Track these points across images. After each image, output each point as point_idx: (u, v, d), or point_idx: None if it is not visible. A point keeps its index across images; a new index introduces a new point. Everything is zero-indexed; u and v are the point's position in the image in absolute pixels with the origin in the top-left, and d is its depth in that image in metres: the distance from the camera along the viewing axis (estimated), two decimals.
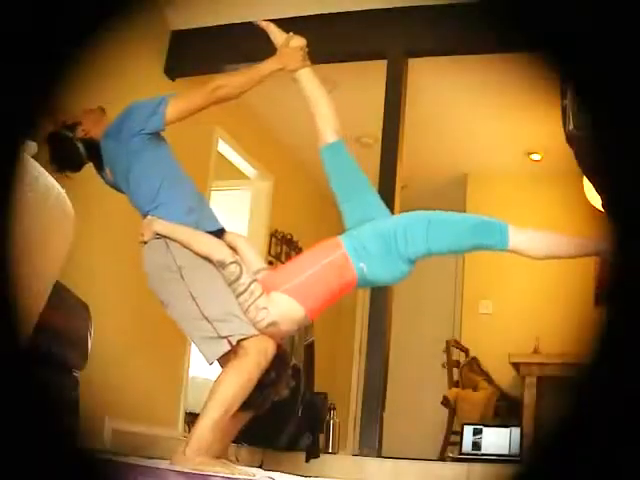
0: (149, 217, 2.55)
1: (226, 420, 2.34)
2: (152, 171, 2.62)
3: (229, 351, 2.36)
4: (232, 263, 2.42)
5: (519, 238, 2.49)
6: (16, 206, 1.17)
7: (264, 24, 2.81)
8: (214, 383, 2.36)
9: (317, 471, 3.24)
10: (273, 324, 2.39)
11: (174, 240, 2.49)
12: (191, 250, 2.47)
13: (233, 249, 2.56)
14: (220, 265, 2.43)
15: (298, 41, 2.73)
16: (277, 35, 2.77)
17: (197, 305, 2.40)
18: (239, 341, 2.34)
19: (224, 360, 2.41)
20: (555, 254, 2.55)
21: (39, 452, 1.23)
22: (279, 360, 2.51)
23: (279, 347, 2.51)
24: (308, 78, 2.71)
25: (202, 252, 2.47)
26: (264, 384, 2.43)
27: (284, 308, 2.41)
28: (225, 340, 2.35)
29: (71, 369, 2.67)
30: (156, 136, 2.65)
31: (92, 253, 3.63)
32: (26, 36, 1.26)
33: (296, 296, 2.41)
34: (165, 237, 2.50)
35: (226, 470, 2.18)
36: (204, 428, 2.28)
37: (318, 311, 2.51)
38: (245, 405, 2.41)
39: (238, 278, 2.40)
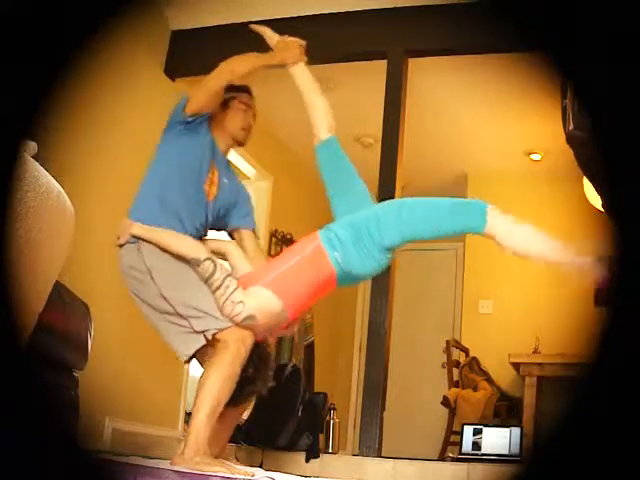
0: (126, 220, 2.59)
1: (218, 414, 2.34)
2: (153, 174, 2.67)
3: (205, 346, 2.38)
4: (206, 260, 2.46)
5: (497, 225, 2.34)
6: (16, 206, 1.17)
7: (259, 28, 2.84)
8: (199, 380, 2.38)
9: (317, 471, 3.24)
10: (250, 317, 2.40)
11: (149, 242, 2.51)
12: (168, 251, 2.51)
13: (222, 255, 2.62)
14: (195, 263, 2.47)
15: (295, 39, 2.78)
16: (273, 37, 2.82)
17: (169, 304, 2.44)
18: (214, 335, 2.37)
19: (202, 356, 2.43)
20: (532, 254, 2.33)
21: (39, 452, 1.23)
22: (258, 357, 2.51)
23: (260, 344, 2.52)
24: (303, 74, 2.75)
25: (178, 252, 2.51)
26: (242, 381, 2.42)
27: (261, 301, 2.42)
28: (201, 335, 2.38)
29: (71, 369, 2.67)
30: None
31: (92, 253, 3.62)
32: (26, 36, 1.26)
33: (273, 289, 2.42)
34: (140, 239, 2.52)
35: (225, 470, 2.18)
36: (199, 426, 2.29)
37: (300, 307, 2.51)
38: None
39: (212, 274, 2.43)
